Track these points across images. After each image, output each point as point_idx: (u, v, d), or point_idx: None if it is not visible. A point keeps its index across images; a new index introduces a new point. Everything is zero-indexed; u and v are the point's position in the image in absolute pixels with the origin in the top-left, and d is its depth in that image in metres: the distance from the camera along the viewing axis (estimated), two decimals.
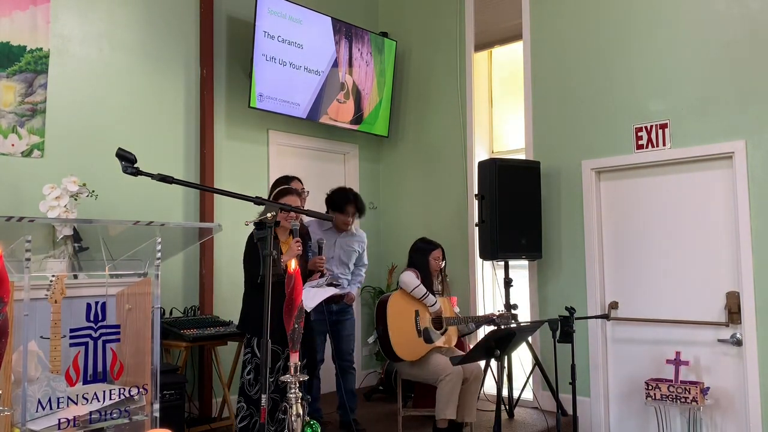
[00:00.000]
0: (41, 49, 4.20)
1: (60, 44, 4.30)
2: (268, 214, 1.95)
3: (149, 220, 2.00)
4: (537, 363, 4.85)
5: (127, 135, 4.61)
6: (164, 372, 3.74)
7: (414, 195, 6.14)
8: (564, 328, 3.60)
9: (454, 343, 4.34)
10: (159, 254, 2.25)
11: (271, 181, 5.37)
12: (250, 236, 3.74)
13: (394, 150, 6.32)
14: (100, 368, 2.17)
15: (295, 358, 1.72)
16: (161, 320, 4.38)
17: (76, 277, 3.86)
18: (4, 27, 4.05)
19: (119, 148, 1.95)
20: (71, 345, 2.08)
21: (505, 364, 4.67)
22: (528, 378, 4.95)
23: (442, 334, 4.28)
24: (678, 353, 4.28)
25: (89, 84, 4.44)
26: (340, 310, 4.53)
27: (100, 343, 2.18)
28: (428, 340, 4.21)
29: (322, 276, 3.88)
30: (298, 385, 1.69)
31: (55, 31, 4.28)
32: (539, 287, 5.20)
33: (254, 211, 3.75)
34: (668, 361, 4.32)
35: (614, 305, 4.77)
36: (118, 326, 2.20)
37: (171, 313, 4.59)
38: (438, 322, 4.30)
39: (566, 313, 3.74)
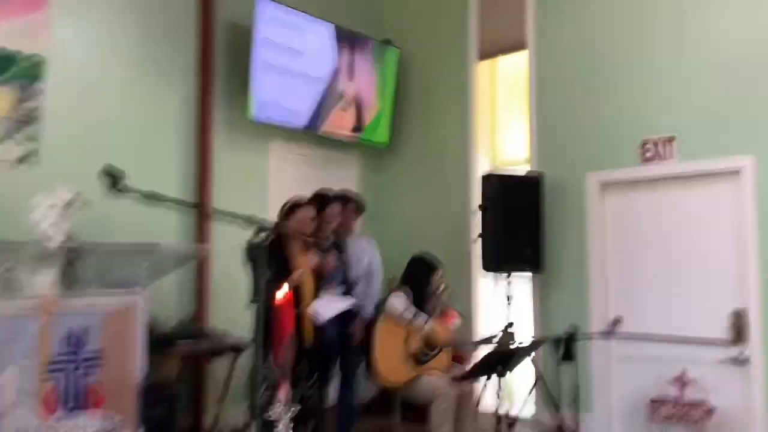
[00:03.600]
0: (37, 55, 4.13)
1: (57, 51, 4.23)
2: (260, 235, 1.86)
3: (137, 243, 1.90)
4: (539, 379, 4.74)
5: (122, 145, 4.51)
6: (155, 388, 3.66)
7: (414, 206, 6.04)
8: (567, 346, 3.50)
9: (446, 364, 4.24)
10: (147, 278, 2.16)
11: (271, 192, 5.34)
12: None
13: (396, 160, 6.23)
14: (80, 398, 2.07)
15: (285, 389, 1.64)
16: (154, 333, 4.31)
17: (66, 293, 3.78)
18: (0, 32, 3.98)
19: (106, 165, 1.86)
20: (50, 372, 1.98)
21: (504, 381, 4.58)
22: (529, 394, 4.83)
23: (434, 356, 4.19)
24: (683, 372, 4.18)
25: (86, 92, 4.37)
26: (350, 322, 4.42)
27: (80, 371, 2.08)
28: (418, 363, 4.13)
29: (334, 279, 3.79)
30: (289, 419, 1.60)
31: (52, 37, 4.20)
32: (542, 301, 5.10)
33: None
34: (673, 380, 4.22)
35: (617, 321, 4.66)
36: (99, 353, 2.10)
37: (164, 325, 4.49)
38: (431, 344, 4.21)
39: (570, 330, 3.64)
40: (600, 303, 4.74)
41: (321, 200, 4.08)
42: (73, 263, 3.94)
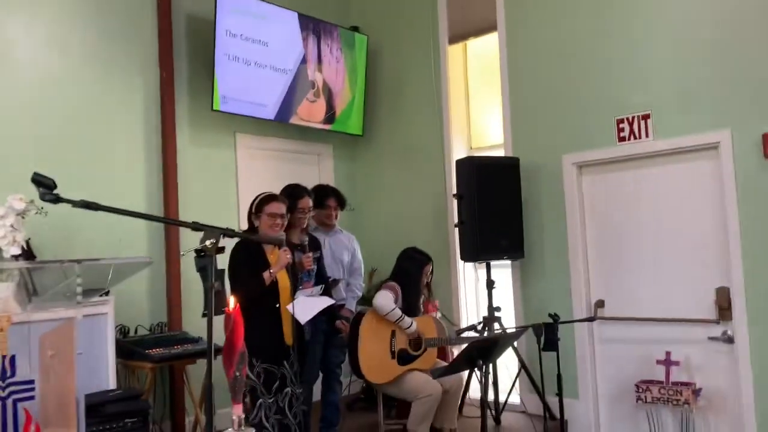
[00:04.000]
0: None
1: (2, 49, 4.02)
2: (207, 242, 1.72)
3: (75, 259, 1.73)
4: (523, 366, 4.66)
5: (80, 145, 4.33)
6: (126, 399, 3.52)
7: (392, 195, 5.92)
8: (549, 336, 3.40)
9: (432, 364, 4.14)
10: (79, 295, 2.01)
11: (240, 188, 5.18)
12: (234, 248, 3.49)
13: (370, 149, 6.09)
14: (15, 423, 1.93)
15: (238, 411, 1.51)
16: (125, 340, 4.17)
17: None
18: None
19: (35, 173, 1.72)
20: None
21: (490, 369, 4.49)
22: (514, 382, 4.76)
23: (420, 355, 4.09)
24: (668, 353, 4.12)
25: (36, 91, 4.16)
26: (332, 318, 4.28)
27: (9, 402, 1.93)
28: (403, 362, 4.03)
29: (310, 278, 3.65)
30: None
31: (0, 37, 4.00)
32: (522, 288, 5.01)
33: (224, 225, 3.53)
34: (658, 362, 4.15)
35: (600, 304, 4.59)
36: (31, 381, 1.96)
37: (136, 331, 4.35)
38: (417, 343, 4.11)
39: (550, 319, 3.54)
40: (581, 287, 4.65)
41: (293, 194, 3.92)
42: (31, 275, 3.79)
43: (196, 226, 1.75)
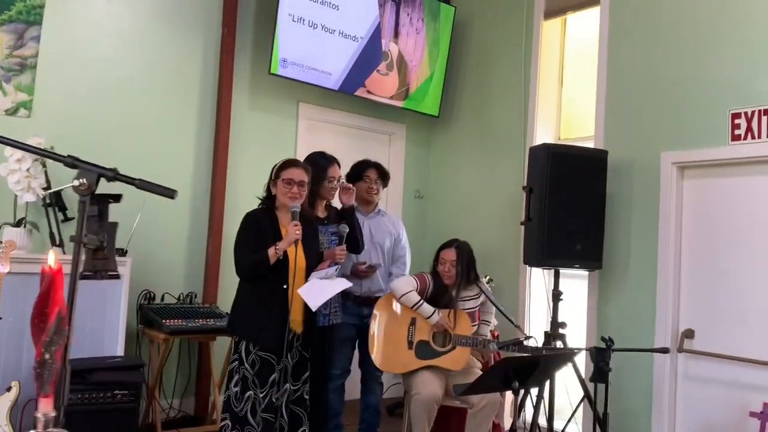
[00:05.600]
0: None
1: (77, 5, 3.91)
2: (76, 182, 1.32)
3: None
4: (586, 395, 3.96)
5: (131, 98, 4.18)
6: (122, 368, 3.27)
7: (466, 184, 5.35)
8: (598, 363, 2.75)
9: (461, 366, 3.55)
10: None
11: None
12: (248, 216, 3.14)
13: (447, 132, 5.55)
14: None
15: (46, 407, 1.10)
16: (148, 306, 3.94)
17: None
18: None
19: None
20: None
21: (545, 393, 3.85)
22: (574, 412, 4.06)
23: (447, 353, 3.52)
24: (766, 405, 3.30)
25: (89, 40, 4.02)
26: (372, 314, 3.83)
27: None
28: (423, 356, 3.47)
29: (333, 265, 3.22)
30: None
31: None
32: (599, 304, 4.29)
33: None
34: (752, 414, 3.34)
35: (689, 334, 3.81)
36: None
37: (162, 298, 4.12)
38: (444, 338, 3.54)
39: (603, 343, 2.87)
40: (668, 311, 3.89)
41: (319, 162, 3.48)
42: (69, 216, 3.63)
43: (71, 162, 1.35)
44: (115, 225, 1.89)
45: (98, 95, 4.04)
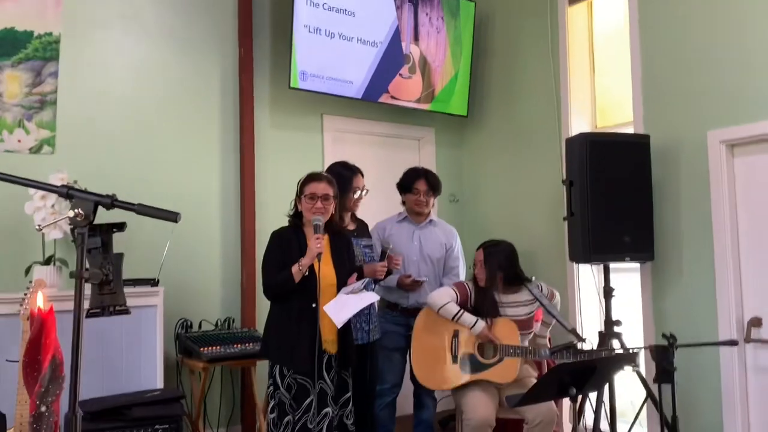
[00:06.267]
0: (51, 33, 3.79)
1: (73, 28, 3.88)
2: (72, 212, 1.20)
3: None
4: (649, 395, 3.71)
5: (153, 127, 4.14)
6: (162, 401, 3.17)
7: (503, 184, 5.16)
8: (661, 363, 2.53)
9: (510, 378, 3.35)
10: None
11: None
12: (273, 234, 3.04)
13: (478, 132, 5.37)
14: None
15: None
16: (186, 335, 3.85)
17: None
18: (7, 11, 3.68)
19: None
20: None
21: (605, 397, 3.62)
22: (637, 415, 3.81)
23: (494, 365, 3.32)
24: None
25: (107, 73, 4.00)
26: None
27: None
28: (469, 369, 3.28)
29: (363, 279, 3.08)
30: None
31: (67, 13, 3.85)
32: (654, 298, 4.04)
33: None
34: None
35: (756, 322, 3.54)
36: None
37: (200, 326, 4.03)
38: (490, 349, 3.35)
39: (665, 340, 2.65)
40: (730, 300, 3.63)
41: (343, 173, 3.35)
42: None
43: (67, 192, 1.24)
44: (120, 256, 1.79)
45: (120, 127, 4.01)
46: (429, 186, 3.80)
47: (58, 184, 3.22)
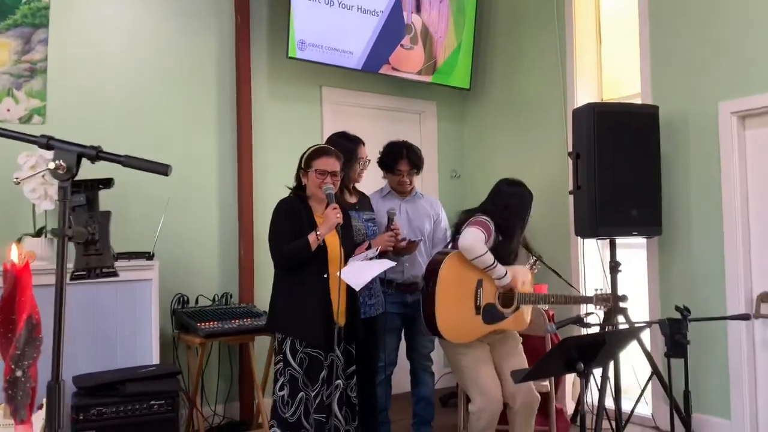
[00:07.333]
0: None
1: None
2: (52, 164, 1.11)
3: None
4: (655, 372, 3.64)
5: (147, 98, 4.01)
6: (157, 377, 3.09)
7: (506, 158, 5.05)
8: (674, 336, 2.45)
9: (526, 326, 3.23)
10: None
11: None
12: (281, 203, 2.92)
13: (480, 105, 5.25)
14: None
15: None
16: (182, 311, 3.77)
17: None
18: None
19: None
20: None
21: (610, 373, 3.55)
22: (642, 391, 3.75)
23: (512, 313, 3.21)
24: None
25: (99, 39, 3.86)
26: (416, 302, 3.57)
27: None
28: (490, 320, 3.12)
29: (364, 246, 2.99)
30: None
31: None
32: (661, 273, 3.97)
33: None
34: None
35: (765, 298, 3.47)
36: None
37: (197, 301, 3.95)
38: (509, 298, 3.24)
39: (678, 314, 2.57)
40: (739, 275, 3.55)
41: (347, 145, 3.25)
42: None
43: (47, 144, 1.14)
44: (107, 214, 1.65)
45: (113, 96, 3.88)
46: (411, 166, 3.65)
47: (48, 157, 3.14)
